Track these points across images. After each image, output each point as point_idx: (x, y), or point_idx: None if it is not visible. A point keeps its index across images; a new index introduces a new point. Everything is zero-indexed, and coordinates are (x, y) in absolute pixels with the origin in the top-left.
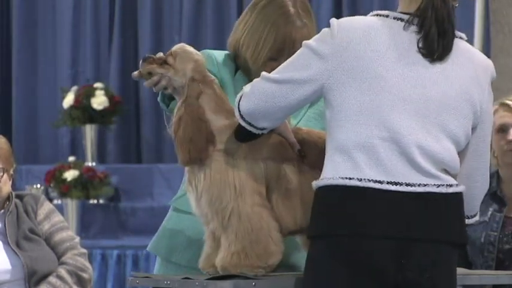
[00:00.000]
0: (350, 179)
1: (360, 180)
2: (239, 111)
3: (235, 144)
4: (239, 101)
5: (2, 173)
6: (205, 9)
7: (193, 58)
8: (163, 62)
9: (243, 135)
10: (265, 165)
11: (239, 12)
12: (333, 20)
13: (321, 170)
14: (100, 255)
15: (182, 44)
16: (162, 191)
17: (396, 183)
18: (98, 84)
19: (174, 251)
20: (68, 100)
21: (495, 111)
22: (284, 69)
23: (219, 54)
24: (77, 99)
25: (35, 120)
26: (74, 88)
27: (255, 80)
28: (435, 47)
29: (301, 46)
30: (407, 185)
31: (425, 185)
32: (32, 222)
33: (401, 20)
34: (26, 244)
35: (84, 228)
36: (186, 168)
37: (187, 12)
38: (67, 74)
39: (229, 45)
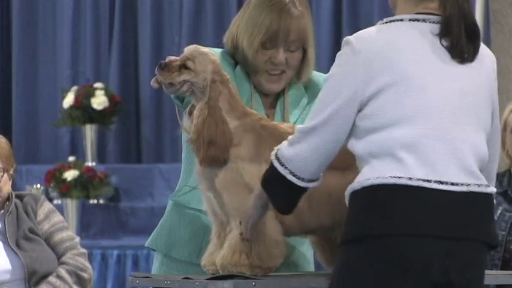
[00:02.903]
0: (399, 177)
1: (410, 179)
2: (299, 178)
3: (242, 147)
4: (292, 176)
5: (2, 173)
6: (205, 9)
7: (211, 59)
8: (182, 67)
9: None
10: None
11: None
12: (350, 38)
13: (328, 169)
14: (100, 255)
15: (196, 46)
16: (162, 191)
17: (442, 182)
18: (98, 84)
19: (174, 246)
20: (68, 100)
21: (510, 111)
22: (318, 111)
23: (216, 51)
24: (77, 99)
25: (35, 120)
26: (74, 88)
27: (292, 144)
28: (464, 49)
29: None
30: (452, 184)
31: (468, 185)
32: (31, 222)
33: (417, 20)
34: (26, 244)
35: (84, 228)
36: (197, 169)
37: (187, 12)
38: (67, 74)
39: (225, 42)
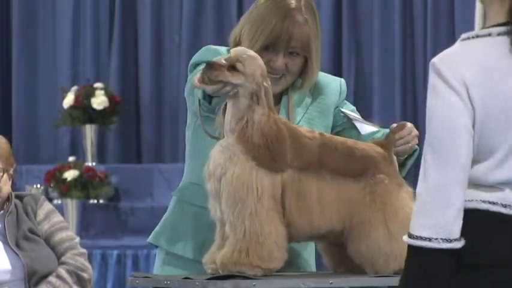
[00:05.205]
0: (494, 203)
1: (505, 206)
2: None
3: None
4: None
5: (2, 173)
6: (205, 9)
7: (259, 63)
8: (231, 68)
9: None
10: (282, 171)
11: (239, 12)
12: (435, 63)
13: (341, 175)
14: (100, 255)
15: (244, 48)
16: (162, 191)
17: None
18: (98, 84)
19: (176, 242)
20: (68, 100)
21: None
22: (438, 147)
23: (224, 50)
24: (77, 99)
25: (35, 120)
26: (74, 88)
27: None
28: None
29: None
30: None
31: None
32: (31, 222)
33: (490, 35)
34: (25, 244)
35: (84, 228)
36: (209, 168)
37: (187, 12)
38: (67, 74)
39: (230, 39)
